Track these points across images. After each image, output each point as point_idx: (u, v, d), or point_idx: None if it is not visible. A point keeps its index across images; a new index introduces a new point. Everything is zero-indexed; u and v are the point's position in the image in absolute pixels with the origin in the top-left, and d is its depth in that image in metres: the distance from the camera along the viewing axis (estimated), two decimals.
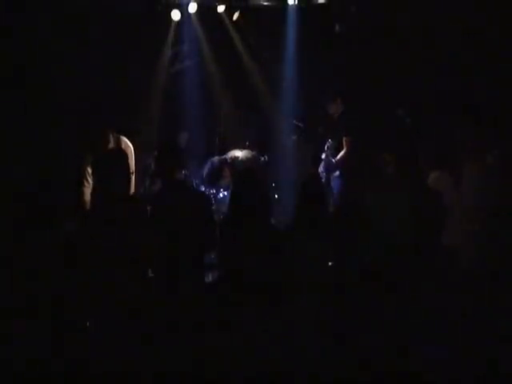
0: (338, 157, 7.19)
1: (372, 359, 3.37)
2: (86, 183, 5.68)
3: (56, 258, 3.89)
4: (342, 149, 7.22)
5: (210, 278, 5.28)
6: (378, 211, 4.57)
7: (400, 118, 7.31)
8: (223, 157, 7.40)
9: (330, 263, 3.82)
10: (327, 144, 7.20)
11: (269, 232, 3.99)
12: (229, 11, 8.27)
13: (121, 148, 5.83)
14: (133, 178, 6.02)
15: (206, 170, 7.26)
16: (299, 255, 3.80)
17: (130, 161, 5.90)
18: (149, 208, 4.55)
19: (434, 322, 3.52)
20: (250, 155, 7.40)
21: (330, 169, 7.23)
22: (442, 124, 6.81)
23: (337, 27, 8.20)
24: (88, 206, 5.35)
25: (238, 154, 7.36)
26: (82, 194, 5.68)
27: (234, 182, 4.21)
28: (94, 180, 4.20)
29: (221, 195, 7.16)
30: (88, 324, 3.78)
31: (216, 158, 7.36)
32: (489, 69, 6.58)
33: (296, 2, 8.20)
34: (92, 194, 4.13)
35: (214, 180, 7.22)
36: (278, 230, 4.13)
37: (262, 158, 7.63)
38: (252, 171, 4.46)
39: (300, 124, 8.22)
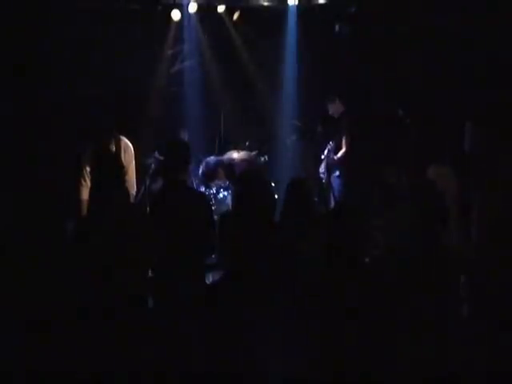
0: (339, 154, 7.22)
1: (371, 359, 3.37)
2: (83, 182, 5.68)
3: (55, 258, 3.89)
4: (342, 148, 7.24)
5: (210, 278, 5.28)
6: (377, 211, 4.58)
7: (400, 118, 7.31)
8: (219, 158, 7.39)
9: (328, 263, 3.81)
10: (328, 146, 7.22)
11: (273, 232, 3.96)
12: (229, 11, 8.27)
13: (119, 148, 5.83)
14: (134, 177, 6.03)
15: (200, 170, 7.26)
16: (295, 254, 3.80)
17: (129, 160, 5.93)
18: (149, 208, 4.54)
19: (433, 322, 3.52)
20: (247, 157, 7.39)
21: (330, 169, 7.26)
22: (442, 123, 6.81)
23: (337, 27, 8.21)
24: (85, 205, 5.33)
25: (235, 155, 7.35)
26: (79, 193, 5.68)
27: (238, 181, 4.18)
28: (91, 179, 4.17)
29: (221, 195, 7.16)
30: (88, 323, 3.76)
31: (212, 158, 7.35)
32: (490, 68, 6.57)
33: (296, 2, 8.20)
34: (90, 194, 4.10)
35: (208, 180, 7.22)
36: (281, 230, 4.12)
37: (262, 158, 7.63)
38: (256, 170, 4.44)
39: (300, 124, 8.23)
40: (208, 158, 7.37)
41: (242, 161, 7.25)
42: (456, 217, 5.02)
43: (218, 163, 7.25)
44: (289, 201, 4.35)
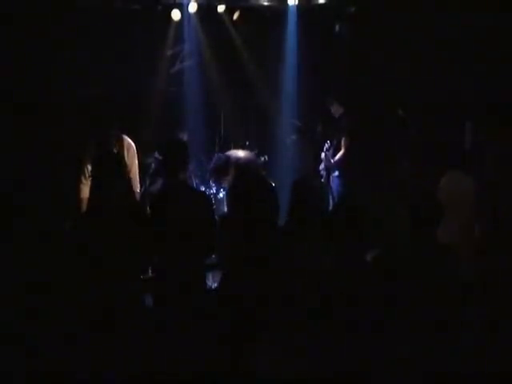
0: (337, 157, 7.22)
1: (372, 358, 3.37)
2: (83, 180, 5.68)
3: (55, 257, 3.88)
4: (341, 149, 7.24)
5: (210, 278, 5.28)
6: (377, 211, 4.57)
7: (400, 119, 7.31)
8: (227, 154, 7.27)
9: (329, 263, 3.81)
10: (326, 145, 7.21)
11: (274, 232, 3.96)
12: (229, 11, 8.28)
13: (121, 147, 5.84)
14: (137, 176, 6.04)
15: (212, 164, 7.16)
16: (298, 255, 3.80)
17: (132, 159, 5.94)
18: (149, 207, 4.53)
19: (432, 322, 3.52)
20: (251, 156, 7.35)
21: (329, 168, 7.26)
22: (442, 123, 6.81)
23: (337, 27, 8.21)
24: (85, 204, 5.32)
25: (241, 154, 7.27)
26: (79, 191, 5.68)
27: (239, 180, 4.16)
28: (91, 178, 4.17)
29: (221, 195, 7.15)
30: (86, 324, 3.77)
31: (223, 154, 7.26)
32: (490, 68, 6.58)
33: (296, 2, 8.20)
34: (90, 192, 4.10)
35: (220, 175, 7.09)
36: (282, 230, 4.11)
37: (262, 158, 7.61)
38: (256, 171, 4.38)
39: (300, 124, 8.22)
40: (219, 154, 7.29)
41: (250, 161, 7.16)
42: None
43: (228, 160, 7.09)
44: (294, 202, 4.30)
